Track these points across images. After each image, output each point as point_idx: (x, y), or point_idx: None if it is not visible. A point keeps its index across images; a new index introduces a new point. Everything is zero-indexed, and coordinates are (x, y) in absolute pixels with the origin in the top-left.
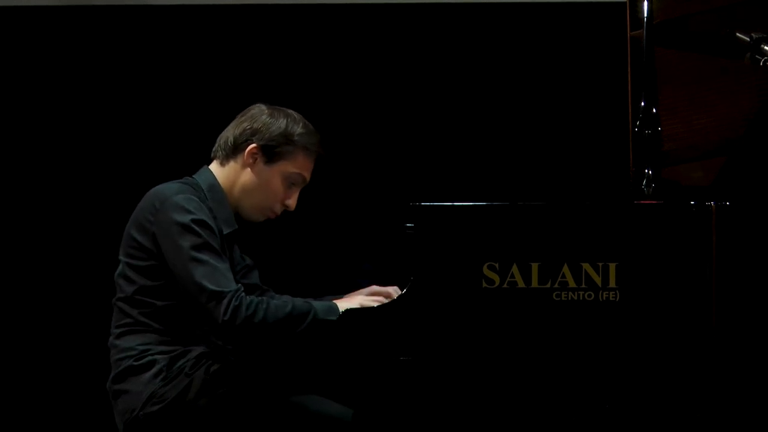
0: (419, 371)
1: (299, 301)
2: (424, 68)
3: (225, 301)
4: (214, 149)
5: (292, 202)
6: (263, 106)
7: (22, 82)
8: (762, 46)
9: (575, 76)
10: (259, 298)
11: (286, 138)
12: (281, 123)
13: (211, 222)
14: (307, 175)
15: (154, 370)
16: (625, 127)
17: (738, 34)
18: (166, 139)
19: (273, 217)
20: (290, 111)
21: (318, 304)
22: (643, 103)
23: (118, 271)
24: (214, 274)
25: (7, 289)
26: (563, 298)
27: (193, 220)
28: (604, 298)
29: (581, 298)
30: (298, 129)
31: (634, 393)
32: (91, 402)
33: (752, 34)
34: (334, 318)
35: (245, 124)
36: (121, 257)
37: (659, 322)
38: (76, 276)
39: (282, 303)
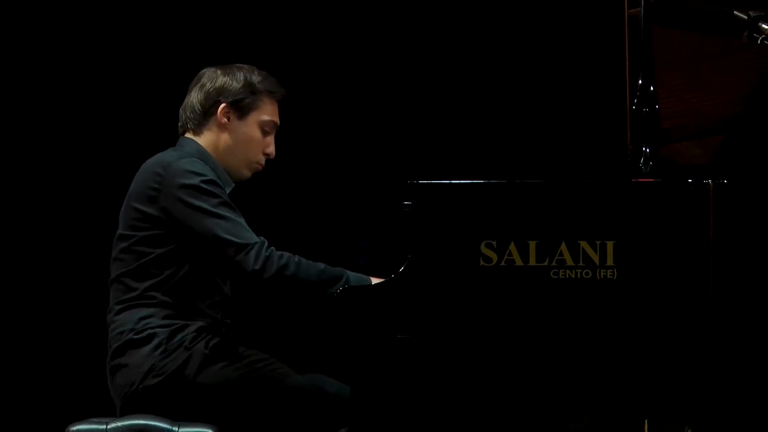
0: (417, 349)
1: (334, 267)
2: (420, 44)
3: (253, 252)
4: (181, 123)
5: (271, 149)
6: (213, 68)
7: None
8: (759, 24)
9: (573, 54)
10: (291, 253)
11: (250, 88)
12: (240, 76)
13: (218, 181)
14: (277, 119)
15: (154, 342)
16: (622, 105)
17: (736, 13)
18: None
19: (260, 170)
20: (239, 64)
21: (351, 273)
22: (640, 82)
23: (118, 248)
24: (237, 228)
25: None
26: (561, 276)
27: (203, 181)
28: (602, 276)
29: (579, 276)
30: (256, 77)
31: (632, 371)
32: (82, 385)
33: (750, 13)
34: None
35: (207, 87)
36: (122, 232)
37: (656, 300)
38: (59, 264)
39: (314, 263)
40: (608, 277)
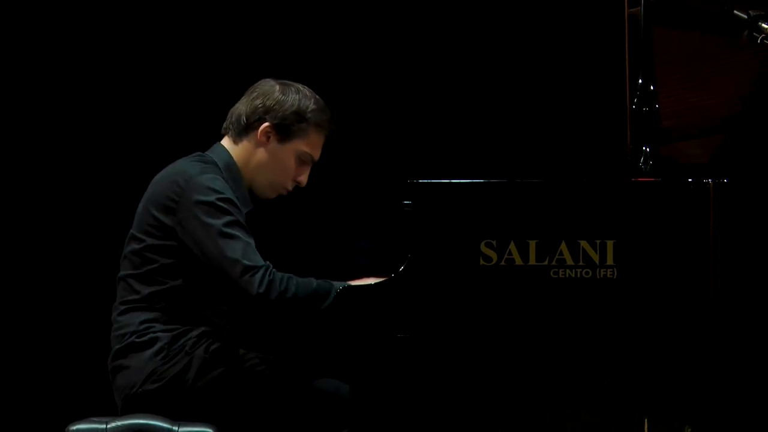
0: (417, 348)
1: (320, 281)
2: (420, 44)
3: (258, 275)
4: (225, 125)
5: (303, 178)
6: (273, 81)
7: None
8: (759, 23)
9: (573, 53)
10: (288, 274)
11: (298, 116)
12: (293, 100)
13: (236, 200)
14: (317, 154)
15: (155, 347)
16: (622, 105)
17: (736, 12)
18: (167, 115)
19: (285, 194)
20: (300, 86)
21: (337, 284)
22: (640, 81)
23: (129, 248)
24: (247, 250)
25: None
26: (561, 276)
27: (220, 199)
28: (602, 276)
29: (579, 276)
30: (310, 106)
31: (632, 370)
32: (88, 382)
33: (750, 12)
34: None
35: (257, 102)
36: (135, 233)
37: (656, 300)
38: (68, 260)
39: (306, 280)
40: (608, 276)
